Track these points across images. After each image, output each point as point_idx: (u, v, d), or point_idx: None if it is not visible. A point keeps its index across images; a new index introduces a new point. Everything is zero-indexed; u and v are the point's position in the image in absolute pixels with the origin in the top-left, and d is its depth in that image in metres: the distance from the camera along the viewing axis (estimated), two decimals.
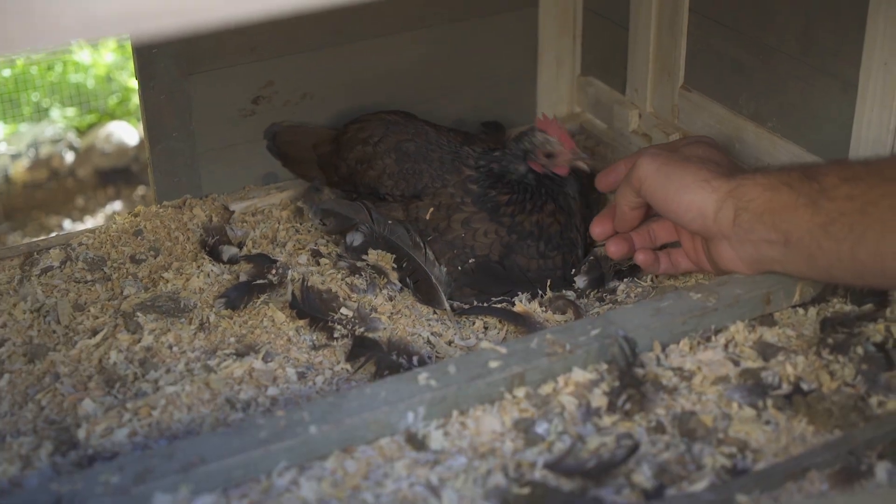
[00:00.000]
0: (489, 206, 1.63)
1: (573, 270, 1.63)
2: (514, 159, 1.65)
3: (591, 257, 1.66)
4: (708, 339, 1.45)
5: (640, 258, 1.59)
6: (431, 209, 1.63)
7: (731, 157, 1.60)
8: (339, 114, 1.86)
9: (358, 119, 1.78)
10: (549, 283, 1.61)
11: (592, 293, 1.61)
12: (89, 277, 1.65)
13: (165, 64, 1.74)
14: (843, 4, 1.52)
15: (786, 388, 1.37)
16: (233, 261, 1.67)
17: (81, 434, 1.34)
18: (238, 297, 1.58)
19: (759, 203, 1.40)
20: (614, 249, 1.60)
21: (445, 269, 1.61)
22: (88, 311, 1.57)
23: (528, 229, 1.62)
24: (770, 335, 1.45)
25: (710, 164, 1.48)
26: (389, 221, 1.63)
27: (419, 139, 1.70)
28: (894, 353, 1.41)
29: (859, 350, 1.40)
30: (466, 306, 1.59)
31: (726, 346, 1.44)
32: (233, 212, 1.79)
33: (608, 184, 1.65)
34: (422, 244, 1.61)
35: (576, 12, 2.02)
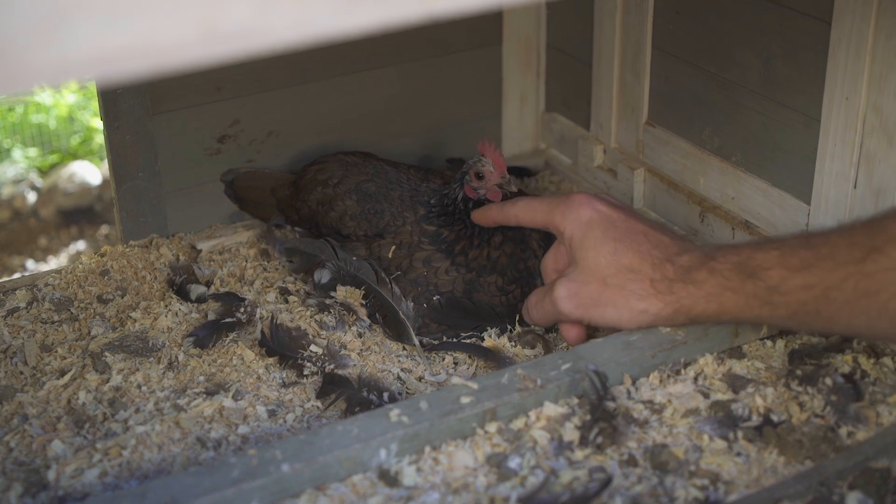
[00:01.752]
0: (443, 247, 1.63)
1: None
2: (455, 187, 1.65)
3: None
4: (678, 373, 1.46)
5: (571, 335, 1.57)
6: (393, 248, 1.63)
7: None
8: (305, 151, 1.87)
9: (316, 161, 1.78)
10: (517, 318, 1.61)
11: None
12: (56, 318, 1.64)
13: (130, 104, 1.73)
14: (805, 40, 1.55)
15: (756, 419, 1.38)
16: (201, 300, 1.66)
17: (51, 475, 1.33)
18: (207, 335, 1.57)
19: (705, 309, 1.40)
20: (574, 339, 1.56)
21: (412, 304, 1.61)
22: (56, 351, 1.56)
23: (483, 264, 1.62)
24: (739, 367, 1.46)
25: (646, 246, 1.44)
26: (354, 258, 1.63)
27: (378, 179, 1.71)
28: (862, 383, 1.42)
29: (828, 381, 1.41)
30: (436, 342, 1.59)
31: (696, 378, 1.45)
32: (200, 250, 1.79)
33: (488, 219, 1.63)
34: (387, 280, 1.61)
35: (539, 50, 2.03)
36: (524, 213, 1.56)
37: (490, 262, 1.63)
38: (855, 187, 1.52)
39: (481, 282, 1.62)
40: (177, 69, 0.80)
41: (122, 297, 1.68)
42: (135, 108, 1.74)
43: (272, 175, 1.85)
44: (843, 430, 1.35)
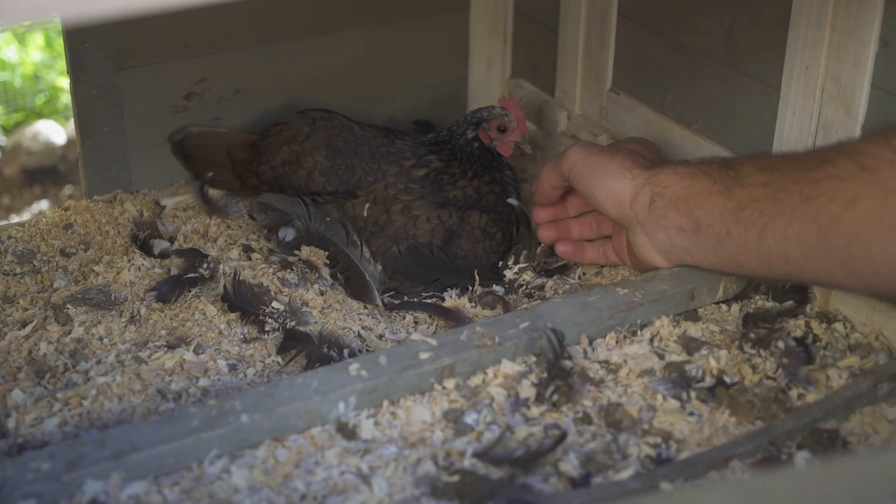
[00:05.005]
0: (432, 181, 1.64)
1: (500, 263, 1.65)
2: (464, 125, 1.67)
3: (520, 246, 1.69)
4: (634, 334, 1.48)
5: (560, 249, 1.65)
6: (367, 205, 1.64)
7: (664, 155, 1.63)
8: (272, 110, 1.87)
9: (278, 122, 1.78)
10: (476, 273, 1.62)
11: (521, 289, 1.63)
12: (18, 270, 1.64)
13: (97, 58, 1.73)
14: (766, 9, 1.56)
15: (709, 380, 1.40)
16: (164, 255, 1.67)
17: (11, 423, 1.34)
18: (169, 290, 1.58)
19: (674, 190, 1.44)
20: (545, 235, 1.66)
21: (381, 266, 1.62)
22: (18, 303, 1.57)
23: (472, 196, 1.64)
24: (694, 330, 1.49)
25: (635, 155, 1.52)
26: (328, 218, 1.64)
27: (346, 134, 1.71)
28: (814, 347, 1.45)
29: (780, 344, 1.44)
30: (397, 302, 1.61)
31: (652, 340, 1.47)
32: (164, 207, 1.79)
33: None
34: (358, 241, 1.62)
35: (507, 15, 2.05)
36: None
37: (479, 195, 1.65)
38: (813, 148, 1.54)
39: (464, 226, 1.63)
40: (138, 12, 0.81)
41: (85, 252, 1.68)
42: (102, 63, 1.74)
43: (227, 135, 1.84)
44: (794, 392, 1.38)
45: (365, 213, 1.64)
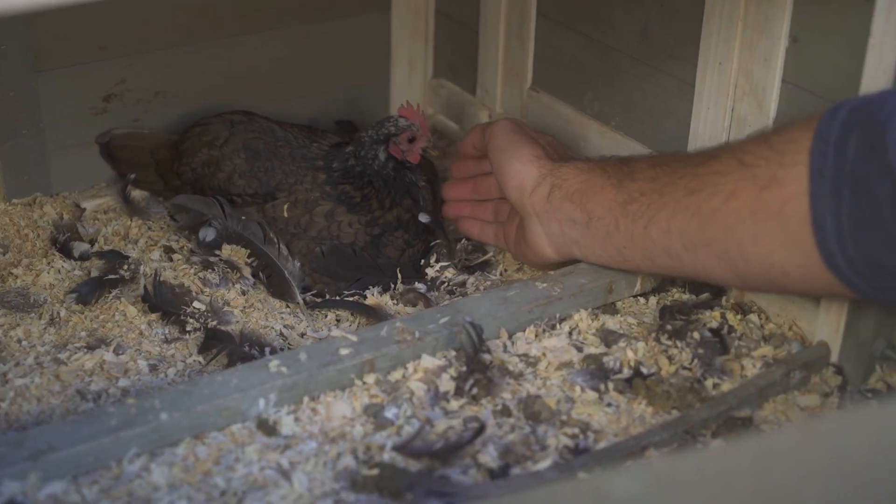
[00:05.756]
0: (346, 203, 1.64)
1: (422, 262, 1.66)
2: (372, 146, 1.65)
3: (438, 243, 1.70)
4: (553, 327, 1.50)
5: (465, 226, 1.70)
6: (287, 205, 1.64)
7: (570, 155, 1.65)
8: (192, 112, 1.86)
9: (198, 123, 1.77)
10: (398, 271, 1.63)
11: (443, 286, 1.64)
12: None
13: (12, 61, 1.72)
14: (681, 6, 1.59)
15: (626, 372, 1.42)
16: (84, 257, 1.66)
17: None
18: (89, 291, 1.58)
19: (572, 183, 1.47)
20: (451, 211, 1.71)
21: (299, 263, 1.62)
22: None
23: (391, 222, 1.65)
24: (612, 323, 1.51)
25: (548, 148, 1.54)
26: (243, 217, 1.64)
27: (266, 137, 1.71)
28: (729, 338, 1.48)
29: (696, 336, 1.46)
30: (319, 300, 1.61)
31: (570, 333, 1.49)
32: (84, 209, 1.78)
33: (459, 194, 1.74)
34: (275, 239, 1.62)
35: (428, 15, 2.06)
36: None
37: (399, 221, 1.65)
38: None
39: (388, 237, 1.64)
40: (51, 5, 0.81)
41: (4, 255, 1.67)
42: (18, 65, 1.73)
43: (152, 135, 1.83)
44: (709, 382, 1.41)
45: (285, 214, 1.64)
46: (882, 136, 1.14)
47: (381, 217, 1.64)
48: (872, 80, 1.33)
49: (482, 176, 1.69)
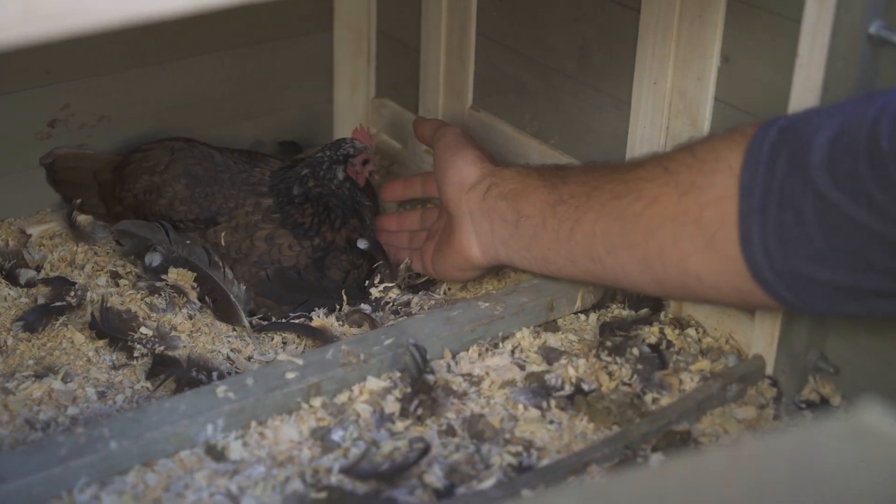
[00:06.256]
0: (292, 226, 1.66)
1: (367, 283, 1.68)
2: (331, 166, 1.68)
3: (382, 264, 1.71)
4: (496, 346, 1.53)
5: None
6: (224, 233, 1.66)
7: None
8: (138, 136, 1.87)
9: (139, 148, 1.78)
10: (343, 292, 1.65)
11: (388, 306, 1.66)
12: None
13: None
14: (616, 27, 1.62)
15: (568, 389, 1.45)
16: (30, 284, 1.67)
17: None
18: (36, 319, 1.58)
19: (508, 184, 1.52)
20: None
21: (244, 287, 1.64)
22: None
23: (337, 243, 1.67)
24: (553, 340, 1.54)
25: (491, 159, 1.61)
26: (188, 241, 1.65)
27: (206, 163, 1.72)
28: (667, 353, 1.51)
29: (635, 351, 1.49)
30: (265, 323, 1.63)
31: (513, 351, 1.52)
32: (30, 235, 1.79)
33: (394, 195, 1.81)
34: (220, 263, 1.64)
35: (370, 36, 2.08)
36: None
37: (346, 242, 1.68)
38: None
39: (333, 259, 1.66)
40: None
41: None
42: None
43: (95, 157, 1.84)
44: (649, 397, 1.44)
45: (222, 242, 1.65)
46: (807, 153, 1.18)
47: (329, 239, 1.67)
48: (800, 99, 1.36)
49: (406, 212, 1.77)
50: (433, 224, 1.72)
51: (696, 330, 1.56)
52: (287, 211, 1.67)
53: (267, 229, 1.66)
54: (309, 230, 1.67)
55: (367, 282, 1.68)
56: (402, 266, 1.69)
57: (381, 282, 1.68)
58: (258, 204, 1.68)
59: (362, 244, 1.69)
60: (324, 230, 1.67)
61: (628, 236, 1.37)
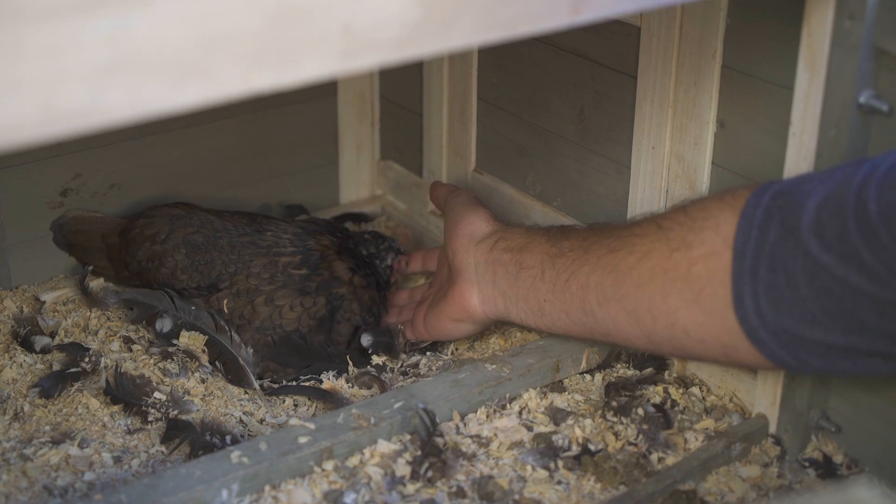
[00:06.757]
0: (296, 282, 1.70)
1: (370, 351, 1.71)
2: (386, 251, 1.81)
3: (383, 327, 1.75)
4: (503, 407, 1.55)
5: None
6: (226, 301, 1.69)
7: None
8: (146, 202, 1.91)
9: (143, 214, 1.81)
10: (348, 357, 1.68)
11: (396, 368, 1.69)
12: None
13: None
14: (614, 93, 1.66)
15: (575, 449, 1.48)
16: (45, 350, 1.70)
17: None
18: (52, 385, 1.61)
19: (516, 238, 1.57)
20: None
21: (251, 350, 1.67)
22: None
23: (342, 284, 1.71)
24: (560, 401, 1.57)
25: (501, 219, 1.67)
26: (193, 307, 1.69)
27: (205, 230, 1.75)
28: (672, 412, 1.54)
29: (640, 411, 1.52)
30: (276, 385, 1.66)
31: (521, 412, 1.55)
32: (44, 302, 1.82)
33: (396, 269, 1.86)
34: (226, 328, 1.67)
35: (373, 101, 2.13)
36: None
37: (354, 292, 1.72)
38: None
39: (342, 313, 1.70)
40: (19, 147, 0.87)
41: None
42: None
43: (103, 219, 1.87)
44: (654, 456, 1.47)
45: (225, 310, 1.69)
46: (798, 217, 1.22)
47: (335, 274, 1.71)
48: (795, 165, 1.40)
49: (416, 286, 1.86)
50: (424, 292, 1.79)
51: (700, 389, 1.59)
52: (313, 261, 1.72)
53: (266, 292, 1.69)
54: (332, 281, 1.71)
55: (369, 351, 1.71)
56: (402, 341, 1.72)
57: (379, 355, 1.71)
58: (273, 262, 1.71)
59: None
60: (335, 265, 1.72)
61: (620, 289, 1.41)
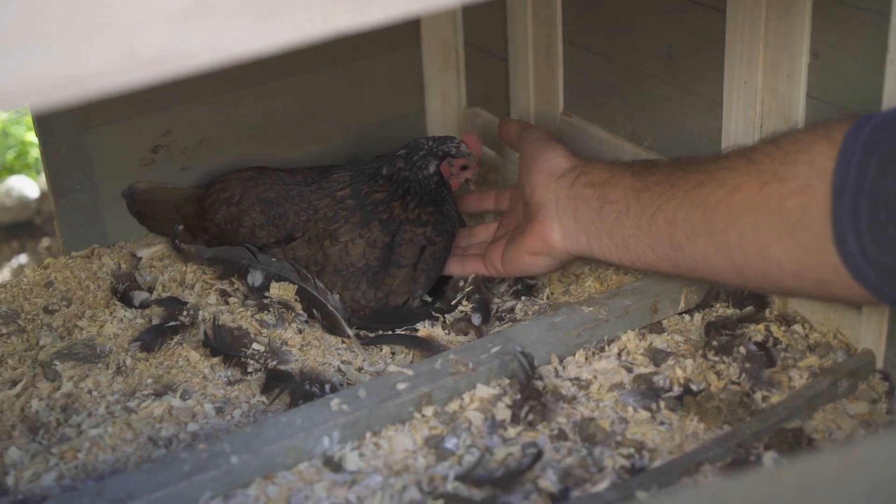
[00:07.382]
0: (365, 207, 1.69)
1: (454, 301, 1.69)
2: (427, 157, 1.71)
3: (472, 287, 1.70)
4: (602, 350, 1.54)
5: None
6: (303, 245, 1.70)
7: None
8: (237, 157, 1.93)
9: (218, 180, 1.83)
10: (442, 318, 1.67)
11: (493, 314, 1.68)
12: (4, 330, 1.69)
13: (63, 121, 1.79)
14: (702, 29, 1.63)
15: (676, 389, 1.46)
16: (144, 305, 1.72)
17: (10, 481, 1.38)
18: (152, 339, 1.63)
19: (598, 173, 1.55)
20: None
21: (338, 295, 1.67)
22: (6, 363, 1.61)
23: (409, 217, 1.69)
24: (659, 342, 1.55)
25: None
26: (274, 259, 1.69)
27: (276, 185, 1.76)
28: (774, 350, 1.52)
29: (742, 350, 1.50)
30: (371, 335, 1.66)
31: (619, 354, 1.54)
32: (140, 258, 1.84)
33: (468, 207, 1.85)
34: (309, 276, 1.67)
35: (457, 48, 2.11)
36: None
37: (419, 217, 1.70)
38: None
39: (402, 235, 1.68)
40: (104, 94, 0.87)
41: (68, 307, 1.73)
42: (68, 124, 1.80)
43: (175, 190, 1.90)
44: (758, 395, 1.45)
45: (301, 255, 1.70)
46: None
47: (398, 216, 1.69)
48: (893, 95, 1.37)
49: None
50: (497, 231, 1.76)
51: (803, 326, 1.57)
52: (360, 190, 1.71)
53: (330, 232, 1.69)
54: (378, 206, 1.70)
55: (452, 301, 1.70)
56: (470, 277, 1.70)
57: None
58: (333, 198, 1.71)
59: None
60: (394, 205, 1.70)
61: (709, 223, 1.38)
